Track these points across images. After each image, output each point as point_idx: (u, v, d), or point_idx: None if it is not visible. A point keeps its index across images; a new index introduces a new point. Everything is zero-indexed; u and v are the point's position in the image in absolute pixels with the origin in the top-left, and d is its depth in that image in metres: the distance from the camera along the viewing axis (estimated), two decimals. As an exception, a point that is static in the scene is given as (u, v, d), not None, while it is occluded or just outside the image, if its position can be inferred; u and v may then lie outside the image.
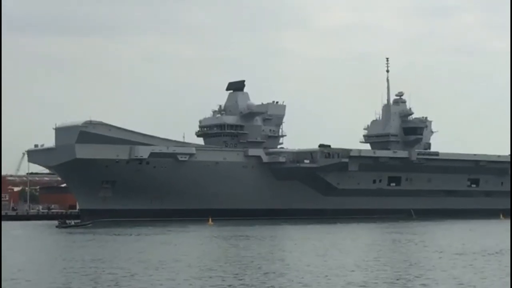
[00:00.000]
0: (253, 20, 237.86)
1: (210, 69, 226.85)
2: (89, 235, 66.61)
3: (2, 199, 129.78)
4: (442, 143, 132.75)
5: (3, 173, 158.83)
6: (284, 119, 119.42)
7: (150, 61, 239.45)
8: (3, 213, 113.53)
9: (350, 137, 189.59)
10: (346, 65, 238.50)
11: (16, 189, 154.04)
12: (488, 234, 68.14)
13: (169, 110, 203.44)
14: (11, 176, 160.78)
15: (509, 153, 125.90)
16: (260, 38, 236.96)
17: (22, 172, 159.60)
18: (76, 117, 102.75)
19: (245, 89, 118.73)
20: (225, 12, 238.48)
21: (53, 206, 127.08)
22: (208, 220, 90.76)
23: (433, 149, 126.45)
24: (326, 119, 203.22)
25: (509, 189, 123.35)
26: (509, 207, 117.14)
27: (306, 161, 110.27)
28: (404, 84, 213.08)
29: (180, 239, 61.42)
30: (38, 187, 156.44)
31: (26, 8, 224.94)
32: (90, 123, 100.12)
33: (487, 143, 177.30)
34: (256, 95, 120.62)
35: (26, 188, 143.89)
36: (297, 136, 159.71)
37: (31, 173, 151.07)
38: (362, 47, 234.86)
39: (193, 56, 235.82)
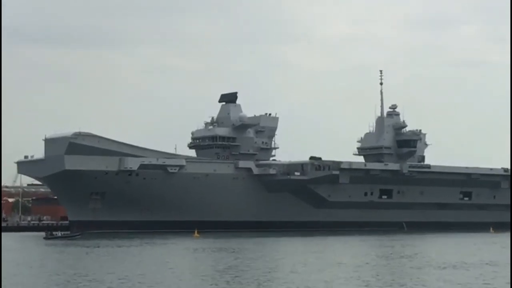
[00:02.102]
0: (252, 33, 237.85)
1: (205, 81, 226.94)
2: (63, 247, 66.51)
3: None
4: (436, 156, 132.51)
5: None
6: (277, 131, 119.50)
7: (148, 73, 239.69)
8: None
9: (344, 150, 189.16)
10: (342, 77, 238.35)
11: (10, 200, 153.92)
12: (469, 248, 67.79)
13: (162, 122, 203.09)
14: (6, 187, 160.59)
15: (502, 166, 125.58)
16: (257, 50, 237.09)
17: (20, 183, 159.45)
18: (71, 128, 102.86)
19: (239, 101, 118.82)
20: (224, 25, 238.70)
21: (45, 217, 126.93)
22: (194, 232, 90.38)
23: (427, 161, 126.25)
24: (319, 131, 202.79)
25: (501, 202, 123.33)
26: (500, 220, 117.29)
27: (297, 173, 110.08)
28: (400, 97, 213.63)
29: (149, 251, 61.07)
30: (31, 198, 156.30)
31: (26, 18, 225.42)
32: (79, 134, 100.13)
33: (483, 156, 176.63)
34: (250, 107, 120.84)
35: (23, 200, 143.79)
36: (290, 149, 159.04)
37: (31, 184, 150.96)
38: (359, 59, 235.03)
39: (190, 68, 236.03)
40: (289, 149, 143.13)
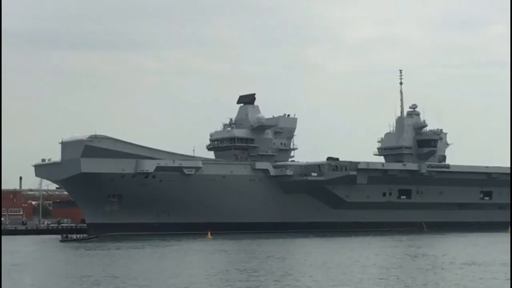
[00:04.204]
0: (274, 34, 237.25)
1: (224, 82, 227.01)
2: (74, 250, 66.77)
3: (16, 213, 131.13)
4: (458, 155, 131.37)
5: (23, 187, 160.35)
6: (296, 132, 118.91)
7: (167, 75, 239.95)
8: (12, 227, 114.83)
9: (364, 150, 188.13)
10: (363, 78, 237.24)
11: (34, 203, 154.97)
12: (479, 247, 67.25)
13: (180, 124, 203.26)
14: (30, 190, 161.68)
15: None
16: (278, 52, 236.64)
17: (47, 186, 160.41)
18: (88, 131, 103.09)
19: (258, 103, 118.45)
20: (248, 27, 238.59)
21: (65, 220, 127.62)
22: (207, 234, 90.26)
23: (448, 161, 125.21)
24: (339, 132, 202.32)
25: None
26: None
27: (314, 174, 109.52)
28: (420, 97, 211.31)
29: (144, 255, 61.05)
30: (51, 201, 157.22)
31: (48, 21, 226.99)
32: (95, 137, 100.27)
33: (505, 156, 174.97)
34: (269, 109, 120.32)
35: (44, 203, 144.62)
36: (309, 150, 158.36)
37: (57, 188, 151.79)
38: (381, 61, 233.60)
39: (210, 70, 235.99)
40: (308, 150, 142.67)
